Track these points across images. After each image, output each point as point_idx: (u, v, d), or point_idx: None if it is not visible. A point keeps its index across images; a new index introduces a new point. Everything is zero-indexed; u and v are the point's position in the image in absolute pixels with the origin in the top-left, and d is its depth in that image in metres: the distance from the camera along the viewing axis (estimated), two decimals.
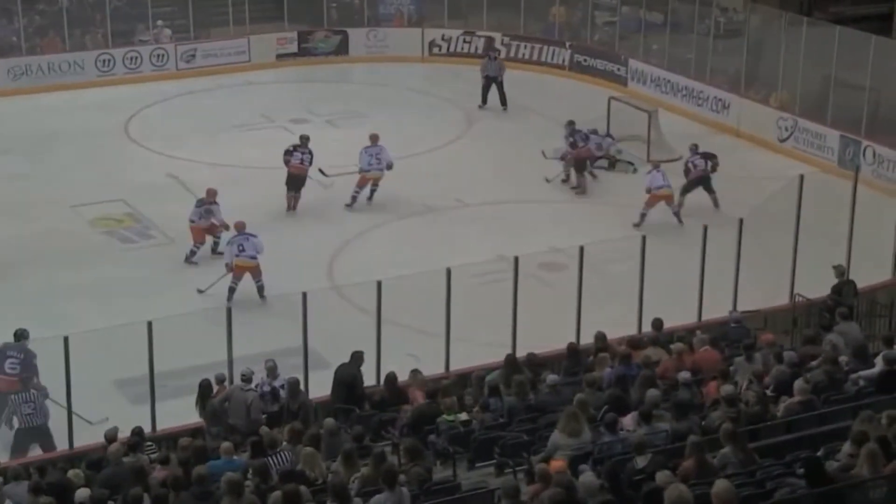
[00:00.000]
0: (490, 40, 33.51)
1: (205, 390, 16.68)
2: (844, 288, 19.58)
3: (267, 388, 16.90)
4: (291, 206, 25.71)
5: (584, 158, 26.76)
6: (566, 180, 26.96)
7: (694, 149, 26.15)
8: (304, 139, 25.96)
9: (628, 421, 14.15)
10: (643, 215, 24.60)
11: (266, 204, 25.10)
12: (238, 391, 16.38)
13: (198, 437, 15.48)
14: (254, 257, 21.81)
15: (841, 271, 19.75)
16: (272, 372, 17.05)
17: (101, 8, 34.51)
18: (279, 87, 33.82)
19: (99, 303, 21.04)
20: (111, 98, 32.35)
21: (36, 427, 16.86)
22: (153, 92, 32.99)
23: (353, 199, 25.75)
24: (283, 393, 16.73)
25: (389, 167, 25.86)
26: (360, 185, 25.89)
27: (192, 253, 23.20)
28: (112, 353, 18.01)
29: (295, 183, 25.66)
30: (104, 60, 34.01)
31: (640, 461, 12.23)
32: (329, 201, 25.56)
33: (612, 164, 27.87)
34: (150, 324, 16.35)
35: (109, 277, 22.45)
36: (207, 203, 23.25)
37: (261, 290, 21.77)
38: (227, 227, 22.76)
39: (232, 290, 21.61)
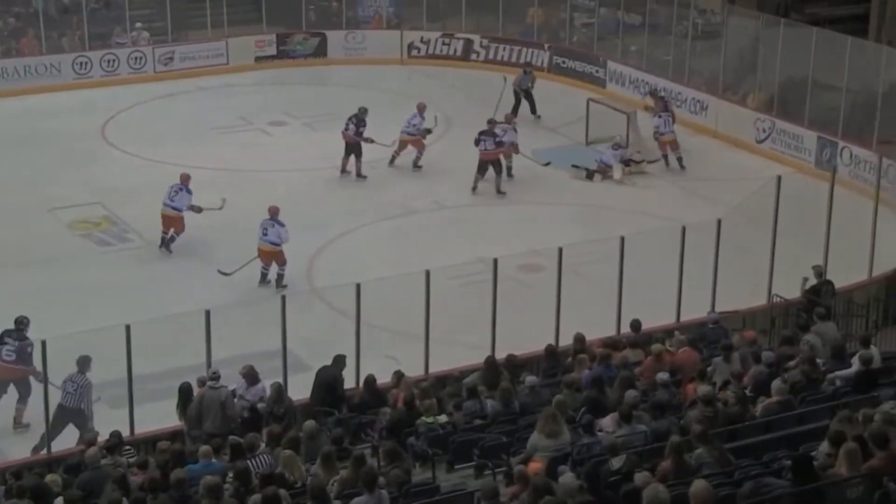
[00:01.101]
0: (528, 63, 33.12)
1: (185, 393, 16.63)
2: (823, 288, 19.65)
3: (249, 398, 16.83)
4: (357, 172, 27.20)
5: (486, 161, 26.67)
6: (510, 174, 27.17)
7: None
8: (363, 110, 27.42)
9: (608, 422, 14.18)
10: (664, 156, 28.21)
11: (244, 206, 25.00)
12: (209, 391, 16.28)
13: (176, 441, 15.45)
14: (275, 244, 22.21)
15: (819, 272, 19.82)
16: (251, 377, 16.94)
17: (78, 10, 34.41)
18: (257, 89, 33.77)
19: (77, 306, 20.96)
20: (88, 101, 32.22)
21: (72, 408, 16.95)
22: (131, 94, 32.88)
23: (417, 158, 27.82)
24: (261, 405, 16.65)
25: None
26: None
27: (163, 240, 23.66)
28: (90, 356, 17.96)
29: (350, 149, 27.21)
30: (81, 63, 33.89)
31: (616, 462, 12.25)
32: (307, 204, 25.51)
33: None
34: (128, 327, 16.32)
35: (87, 280, 22.38)
36: (178, 187, 23.70)
37: (280, 278, 22.27)
38: (198, 210, 23.57)
39: (263, 275, 22.31)
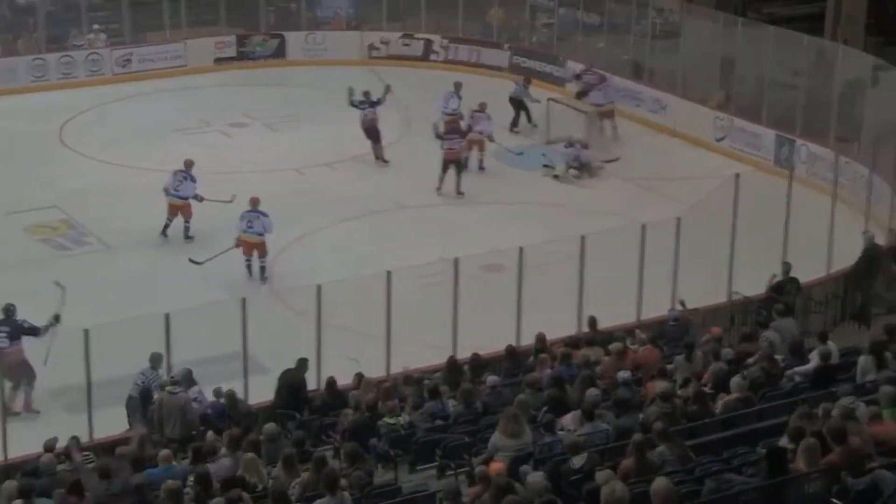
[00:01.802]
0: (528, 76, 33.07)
1: (145, 397, 16.56)
2: (787, 286, 19.73)
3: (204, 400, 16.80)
4: (378, 156, 27.97)
5: (448, 160, 26.71)
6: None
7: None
8: (367, 94, 27.94)
9: (569, 420, 14.19)
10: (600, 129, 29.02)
11: (205, 208, 24.92)
12: (169, 397, 16.21)
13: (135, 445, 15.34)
14: (261, 234, 22.49)
15: (787, 269, 19.90)
16: (188, 381, 16.84)
17: (34, 13, 34.20)
18: (217, 91, 33.62)
19: (35, 311, 20.75)
20: (45, 104, 31.96)
21: (129, 397, 17.22)
22: (88, 97, 32.71)
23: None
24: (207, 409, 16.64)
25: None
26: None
27: (165, 228, 24.06)
28: (39, 359, 17.91)
29: (370, 134, 27.81)
30: (38, 66, 33.69)
31: (577, 461, 12.27)
32: (268, 206, 25.41)
33: (591, 173, 27.86)
34: (86, 332, 16.23)
35: (45, 285, 22.17)
36: (183, 175, 24.02)
37: (263, 269, 22.57)
38: (199, 199, 23.91)
39: (248, 267, 22.61)
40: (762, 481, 10.92)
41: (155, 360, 17.26)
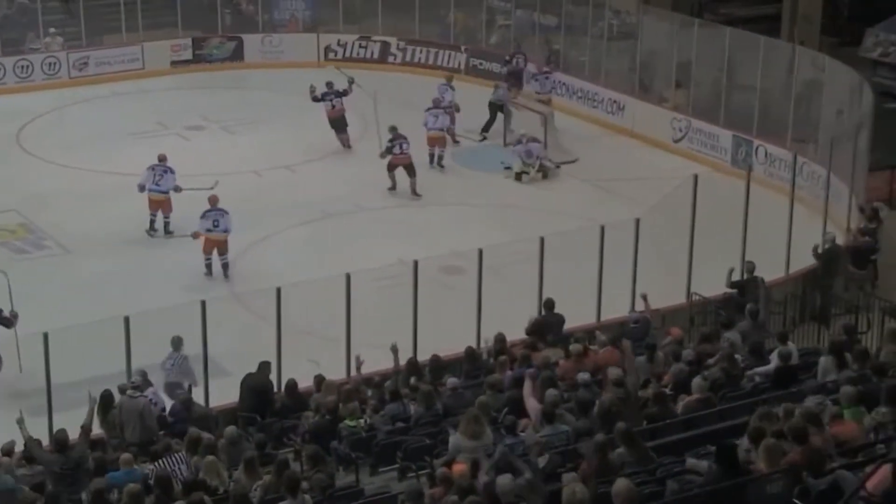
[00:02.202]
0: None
1: (106, 400, 16.46)
2: (748, 285, 19.80)
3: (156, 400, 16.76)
4: (346, 144, 28.59)
5: (395, 164, 26.79)
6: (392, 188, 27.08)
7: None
8: (330, 84, 28.62)
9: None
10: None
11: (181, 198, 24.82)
12: (128, 400, 16.10)
13: (97, 449, 15.27)
14: (227, 231, 22.67)
15: (751, 268, 19.99)
16: (143, 381, 16.73)
17: None
18: (174, 93, 33.49)
19: None
20: (2, 107, 31.75)
21: (176, 383, 17.65)
22: (46, 100, 32.52)
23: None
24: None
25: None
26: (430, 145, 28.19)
27: (151, 224, 24.27)
28: (7, 365, 17.75)
29: (337, 124, 28.38)
30: None
31: (539, 462, 12.28)
32: (228, 209, 25.36)
33: (545, 173, 27.87)
34: (45, 335, 16.14)
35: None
36: (162, 169, 24.27)
37: (226, 267, 22.77)
38: (178, 190, 24.08)
39: (208, 266, 22.76)
40: (725, 472, 10.88)
41: (176, 343, 17.77)
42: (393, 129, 26.93)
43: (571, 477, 11.14)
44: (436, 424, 15.07)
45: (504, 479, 11.38)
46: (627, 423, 12.67)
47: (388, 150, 26.59)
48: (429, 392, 15.64)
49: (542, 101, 30.44)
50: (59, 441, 14.12)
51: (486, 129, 30.23)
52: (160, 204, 24.21)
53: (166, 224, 24.29)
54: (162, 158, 24.50)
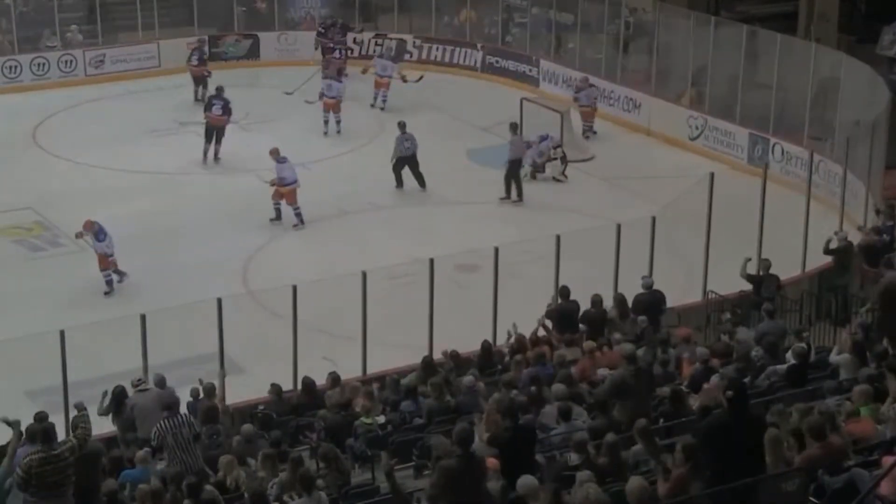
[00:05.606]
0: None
1: (119, 397, 16.47)
2: (764, 282, 19.74)
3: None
4: (212, 155, 28.04)
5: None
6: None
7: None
8: (220, 89, 28.50)
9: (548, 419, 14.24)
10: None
11: (180, 209, 24.90)
12: (140, 396, 16.10)
13: (112, 447, 15.30)
14: (293, 183, 24.65)
15: (767, 266, 19.93)
16: (160, 384, 16.75)
17: (7, 13, 34.04)
18: (190, 91, 33.47)
19: (10, 313, 20.75)
20: (18, 105, 31.81)
21: None
22: (62, 98, 32.58)
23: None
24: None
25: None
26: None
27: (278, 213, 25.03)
28: (25, 363, 17.80)
29: (211, 133, 27.97)
30: (10, 67, 33.52)
31: (574, 458, 12.28)
32: (243, 207, 25.42)
33: (563, 161, 27.84)
34: (62, 332, 16.17)
35: (20, 287, 22.15)
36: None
37: (298, 215, 24.66)
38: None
39: (277, 210, 24.74)
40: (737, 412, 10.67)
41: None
42: (402, 125, 26.92)
43: (585, 476, 11.10)
44: (452, 422, 15.03)
45: (526, 479, 11.27)
46: (643, 411, 12.64)
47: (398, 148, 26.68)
48: (437, 384, 15.58)
49: (586, 112, 30.30)
50: None
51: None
52: (282, 195, 24.85)
53: (297, 215, 24.80)
54: (276, 152, 25.05)
